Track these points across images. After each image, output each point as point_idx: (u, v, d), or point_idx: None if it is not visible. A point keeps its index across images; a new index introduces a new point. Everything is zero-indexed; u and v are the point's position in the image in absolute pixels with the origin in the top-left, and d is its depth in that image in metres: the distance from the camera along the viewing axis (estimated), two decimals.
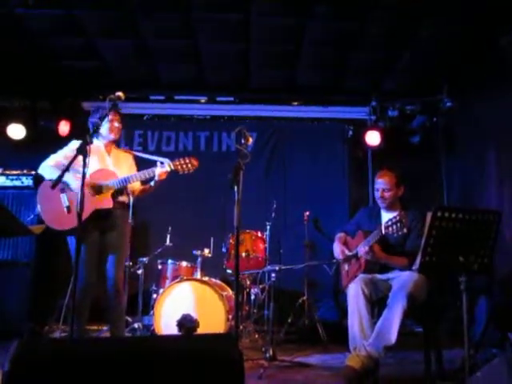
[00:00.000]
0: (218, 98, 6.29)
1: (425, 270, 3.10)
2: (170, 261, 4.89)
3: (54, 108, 5.82)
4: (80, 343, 1.82)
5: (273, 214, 5.13)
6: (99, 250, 3.63)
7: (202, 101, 6.31)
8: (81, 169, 3.55)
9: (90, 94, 5.96)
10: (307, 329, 4.88)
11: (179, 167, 3.54)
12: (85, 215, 3.35)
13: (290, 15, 4.50)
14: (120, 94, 3.23)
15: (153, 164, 3.62)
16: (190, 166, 3.54)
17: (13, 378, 1.50)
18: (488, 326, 3.74)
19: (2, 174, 5.22)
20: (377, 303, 3.33)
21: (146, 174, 3.59)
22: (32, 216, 4.62)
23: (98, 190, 3.55)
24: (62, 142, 5.53)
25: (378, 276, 3.50)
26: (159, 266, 4.96)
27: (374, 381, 3.10)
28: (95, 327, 5.08)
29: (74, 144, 3.67)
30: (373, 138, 5.81)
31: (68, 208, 3.54)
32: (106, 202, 3.55)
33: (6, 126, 5.57)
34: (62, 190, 3.57)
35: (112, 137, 3.76)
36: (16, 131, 5.60)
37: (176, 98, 6.25)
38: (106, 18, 4.54)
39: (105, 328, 4.95)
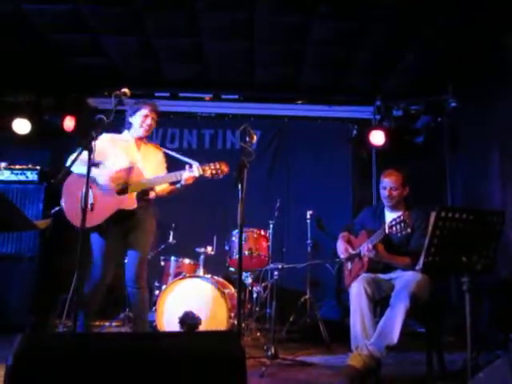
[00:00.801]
0: (223, 96, 6.29)
1: (428, 270, 3.09)
2: (172, 258, 4.89)
3: (58, 103, 5.83)
4: (82, 338, 1.82)
5: (276, 213, 5.14)
6: (121, 251, 3.58)
7: (207, 98, 6.31)
8: (107, 163, 3.55)
9: (96, 90, 5.97)
10: (309, 328, 4.88)
11: (208, 172, 3.41)
12: (107, 214, 3.38)
13: (294, 14, 4.50)
14: (126, 90, 3.22)
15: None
16: (219, 171, 3.41)
17: (16, 372, 1.51)
18: (491, 327, 3.73)
19: (7, 169, 5.23)
20: (379, 303, 3.33)
21: (172, 176, 3.49)
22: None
23: (123, 189, 3.46)
24: (67, 137, 5.61)
25: (381, 275, 3.50)
26: (162, 263, 4.97)
27: (376, 380, 3.10)
28: (97, 323, 5.09)
29: (104, 137, 3.58)
30: (377, 137, 5.80)
31: (92, 205, 3.41)
32: (130, 202, 3.45)
33: (11, 120, 5.57)
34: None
35: (141, 132, 3.64)
36: (21, 126, 5.61)
37: (181, 95, 6.25)
38: (112, 15, 4.54)
39: (106, 324, 4.97)
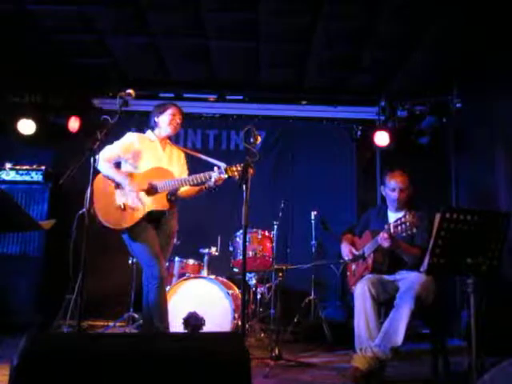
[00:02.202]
0: (228, 97, 6.30)
1: (432, 272, 3.08)
2: (177, 258, 4.89)
3: (64, 104, 5.85)
4: (87, 339, 1.82)
5: (280, 214, 5.13)
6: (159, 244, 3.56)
7: (212, 99, 6.32)
8: (134, 161, 3.56)
9: (100, 90, 5.99)
10: (313, 328, 4.88)
11: (236, 173, 3.39)
12: (139, 215, 3.41)
13: (299, 14, 4.49)
14: (130, 91, 3.23)
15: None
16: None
17: (21, 373, 1.51)
18: (496, 328, 3.71)
19: (12, 169, 5.26)
20: (384, 304, 3.32)
21: (202, 177, 3.48)
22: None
23: (153, 189, 3.46)
24: (72, 138, 5.62)
25: (386, 277, 3.49)
26: (166, 264, 4.97)
27: (380, 382, 3.10)
28: (101, 323, 5.12)
29: (130, 136, 3.65)
30: (381, 138, 5.78)
31: (124, 205, 3.45)
32: (162, 203, 3.47)
33: (16, 121, 5.60)
34: (117, 186, 3.50)
35: (169, 131, 3.68)
36: (26, 127, 5.63)
37: (185, 95, 6.25)
38: (117, 16, 4.55)
39: (110, 324, 4.98)
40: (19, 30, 4.75)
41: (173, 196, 3.59)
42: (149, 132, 3.76)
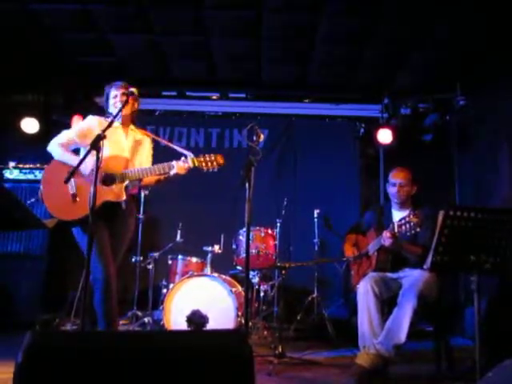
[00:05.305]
0: (230, 95, 6.30)
1: (436, 269, 3.08)
2: (180, 256, 4.90)
3: (66, 102, 5.85)
4: (91, 336, 1.83)
5: (283, 212, 5.13)
6: (109, 240, 3.28)
7: (214, 97, 6.32)
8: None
9: (103, 89, 5.99)
10: (316, 326, 4.88)
11: (203, 164, 3.23)
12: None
13: (301, 12, 4.49)
14: (133, 89, 3.23)
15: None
16: (215, 163, 3.23)
17: (25, 370, 1.51)
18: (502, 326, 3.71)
19: (16, 168, 5.28)
20: (387, 302, 3.32)
21: (165, 167, 3.26)
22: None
23: (110, 179, 3.20)
24: None
25: (389, 275, 3.49)
26: (169, 262, 4.98)
27: (384, 379, 3.10)
28: None
29: (91, 119, 3.38)
30: (385, 135, 5.78)
31: (74, 196, 3.14)
32: (117, 194, 3.22)
33: (19, 120, 5.61)
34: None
35: (118, 111, 3.22)
36: (30, 125, 5.64)
37: (188, 94, 6.26)
38: (120, 14, 4.56)
39: None
40: (21, 28, 4.76)
41: (132, 187, 3.36)
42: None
